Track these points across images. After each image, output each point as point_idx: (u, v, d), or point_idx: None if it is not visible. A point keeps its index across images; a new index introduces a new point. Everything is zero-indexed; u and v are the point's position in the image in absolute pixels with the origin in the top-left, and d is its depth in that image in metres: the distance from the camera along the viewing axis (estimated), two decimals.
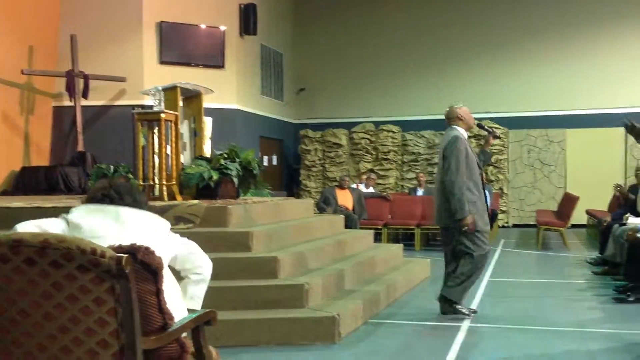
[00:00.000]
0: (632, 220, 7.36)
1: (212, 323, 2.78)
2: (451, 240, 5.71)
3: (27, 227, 2.68)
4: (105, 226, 2.65)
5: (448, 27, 16.29)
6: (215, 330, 2.85)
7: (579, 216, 12.48)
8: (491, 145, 6.13)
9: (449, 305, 5.68)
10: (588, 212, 12.86)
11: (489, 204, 10.96)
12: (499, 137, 6.19)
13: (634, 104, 14.42)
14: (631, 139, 14.19)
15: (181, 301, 2.86)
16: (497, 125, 15.33)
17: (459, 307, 5.68)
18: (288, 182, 16.97)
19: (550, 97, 15.51)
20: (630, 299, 6.30)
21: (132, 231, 2.66)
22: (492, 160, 15.22)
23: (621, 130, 14.62)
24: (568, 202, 11.94)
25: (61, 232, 2.62)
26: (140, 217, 2.77)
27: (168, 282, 2.72)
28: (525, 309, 6.14)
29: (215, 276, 5.19)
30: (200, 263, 3.10)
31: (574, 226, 12.80)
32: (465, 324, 5.52)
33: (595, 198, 12.92)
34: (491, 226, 11.46)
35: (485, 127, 6.18)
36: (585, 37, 15.51)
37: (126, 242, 2.48)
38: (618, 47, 15.30)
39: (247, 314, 5.07)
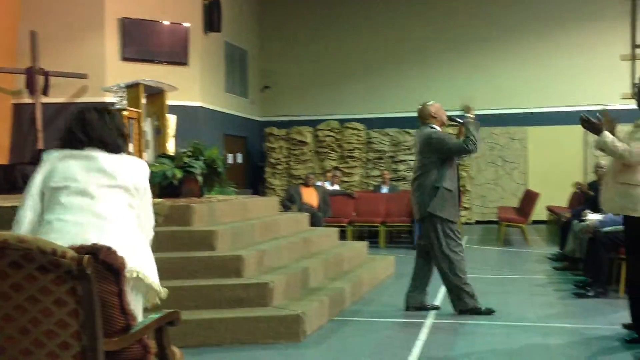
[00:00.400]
0: (591, 217, 7.50)
1: (175, 323, 2.76)
2: (425, 234, 5.84)
3: (26, 215, 2.84)
4: (81, 171, 2.80)
5: (411, 26, 16.43)
6: (179, 330, 2.82)
7: (539, 212, 12.70)
8: (462, 135, 6.16)
9: (473, 312, 5.73)
10: (548, 209, 13.11)
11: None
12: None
13: (593, 101, 14.68)
14: (591, 136, 14.51)
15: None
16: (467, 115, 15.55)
17: (479, 306, 5.75)
18: (253, 180, 16.91)
19: (512, 95, 15.74)
20: (590, 294, 6.42)
21: (110, 176, 2.81)
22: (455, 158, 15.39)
23: (581, 127, 14.93)
24: (529, 198, 12.14)
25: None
26: (117, 162, 2.87)
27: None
28: (488, 304, 6.18)
29: (178, 275, 5.26)
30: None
31: (534, 222, 13.01)
32: (429, 320, 5.59)
33: (555, 195, 13.18)
34: None
35: (456, 118, 6.16)
36: (547, 37, 15.77)
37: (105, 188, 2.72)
38: (578, 47, 15.60)
39: (211, 313, 5.03)
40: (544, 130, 15.39)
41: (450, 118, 6.16)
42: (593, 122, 4.91)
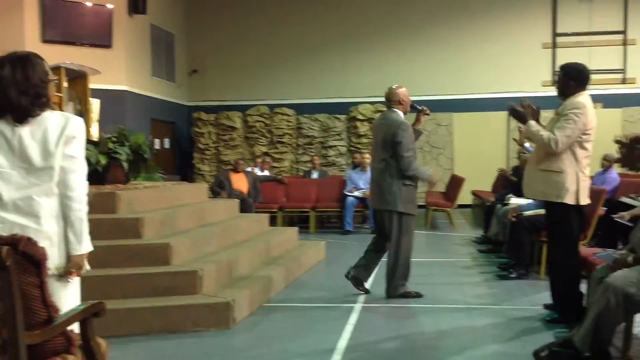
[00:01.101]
0: (514, 201, 7.73)
1: (100, 314, 2.69)
2: (381, 222, 5.88)
3: None
4: None
5: (340, 12, 16.46)
6: (106, 320, 2.75)
7: (465, 197, 13.01)
8: (420, 122, 6.20)
9: (403, 296, 5.85)
10: (473, 193, 13.44)
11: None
12: (428, 114, 6.24)
13: (516, 89, 15.16)
14: (514, 122, 14.99)
15: None
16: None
17: (409, 290, 5.88)
18: (181, 166, 16.64)
19: (438, 81, 16.02)
20: (512, 275, 6.63)
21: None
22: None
23: (504, 114, 15.38)
24: (455, 183, 12.42)
25: None
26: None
27: None
28: (416, 287, 6.31)
29: (105, 264, 5.12)
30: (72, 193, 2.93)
31: (460, 206, 13.33)
32: (359, 304, 5.64)
33: (480, 179, 13.53)
34: None
35: (415, 105, 6.16)
36: (471, 24, 16.09)
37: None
38: (502, 35, 15.99)
39: (138, 302, 4.94)
40: (469, 117, 15.75)
41: (410, 105, 6.12)
42: (519, 112, 5.03)
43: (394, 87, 5.95)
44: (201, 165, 16.24)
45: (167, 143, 16.01)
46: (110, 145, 6.68)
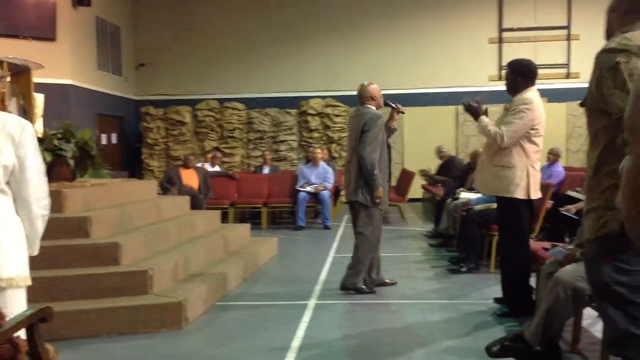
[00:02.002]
0: (464, 195, 7.83)
1: (48, 320, 2.60)
2: (355, 215, 5.92)
3: None
4: None
5: (289, 6, 16.37)
6: (53, 322, 2.67)
7: (415, 191, 13.12)
8: (394, 120, 6.20)
9: (355, 291, 5.87)
10: (424, 187, 13.56)
11: (332, 180, 11.25)
12: (403, 112, 6.24)
13: (463, 83, 15.37)
14: (463, 116, 15.22)
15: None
16: (338, 103, 15.77)
17: (362, 286, 5.88)
18: (129, 161, 16.33)
19: (387, 76, 16.06)
20: (463, 269, 6.72)
21: None
22: (335, 137, 15.61)
23: (453, 108, 15.60)
24: (405, 178, 12.51)
25: None
26: None
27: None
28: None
29: (52, 265, 4.98)
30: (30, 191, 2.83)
31: (411, 200, 13.43)
32: (312, 302, 5.63)
33: None
34: (335, 202, 11.85)
35: (389, 102, 6.19)
36: (420, 19, 16.23)
37: None
38: (449, 30, 16.17)
39: (87, 303, 4.82)
40: (418, 111, 15.86)
41: (384, 102, 6.13)
42: (473, 107, 5.09)
43: (365, 83, 6.00)
44: (150, 161, 15.98)
45: (114, 138, 15.68)
46: (56, 142, 6.48)
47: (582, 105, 2.58)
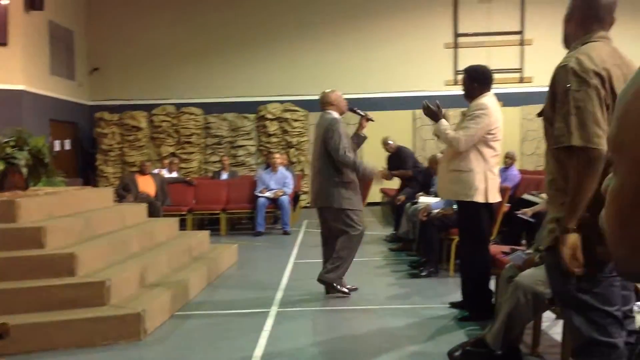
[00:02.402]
0: (424, 200, 7.88)
1: (4, 337, 2.52)
2: (325, 221, 5.96)
3: None
4: None
5: (248, 10, 16.31)
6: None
7: (374, 195, 13.17)
8: (364, 128, 6.20)
9: (330, 287, 5.94)
10: (382, 191, 13.64)
11: (291, 186, 11.22)
12: (371, 120, 6.26)
13: (420, 88, 15.53)
14: (420, 120, 15.36)
15: None
16: (297, 108, 15.75)
17: (339, 287, 5.94)
18: (83, 168, 16.01)
19: (345, 81, 16.11)
20: (423, 273, 6.76)
21: None
22: (294, 142, 15.59)
23: (409, 112, 15.72)
24: (364, 182, 12.52)
25: None
26: None
27: None
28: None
29: (5, 277, 4.85)
30: None
31: (370, 204, 13.48)
32: (274, 309, 5.59)
33: None
34: (294, 208, 11.81)
35: (357, 110, 6.23)
36: (378, 24, 16.32)
37: None
38: (406, 35, 16.30)
39: (42, 316, 4.69)
40: (375, 115, 15.89)
41: (351, 109, 6.19)
42: (433, 110, 5.13)
43: (327, 90, 6.09)
44: (105, 167, 15.70)
45: (67, 144, 15.36)
46: (8, 150, 6.31)
47: (539, 115, 2.61)
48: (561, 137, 2.33)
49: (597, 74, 2.37)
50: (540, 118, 2.61)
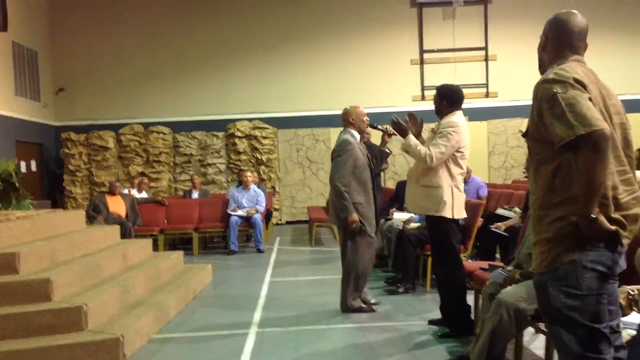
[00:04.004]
0: (397, 216, 7.93)
1: None
2: (340, 238, 6.03)
3: None
4: None
5: (217, 29, 16.32)
6: None
7: None
8: (387, 143, 6.21)
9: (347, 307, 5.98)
10: None
11: (264, 203, 11.18)
12: (394, 134, 6.23)
13: (387, 104, 15.68)
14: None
15: None
16: (266, 125, 15.75)
17: (357, 307, 5.97)
18: (50, 189, 15.77)
19: (315, 97, 16.27)
20: (400, 290, 6.79)
21: None
22: (264, 159, 15.58)
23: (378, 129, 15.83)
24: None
25: None
26: None
27: None
28: (309, 307, 6.35)
29: None
30: None
31: None
32: (253, 330, 5.56)
33: None
34: (267, 225, 11.79)
35: (378, 126, 6.21)
36: (345, 41, 16.46)
37: None
38: (373, 51, 16.47)
39: (18, 343, 4.60)
40: None
41: (372, 126, 6.17)
42: (402, 125, 5.19)
43: (348, 107, 6.12)
44: (73, 188, 15.48)
45: (33, 166, 15.13)
46: None
47: (524, 135, 2.67)
48: (563, 134, 2.38)
49: (577, 81, 2.45)
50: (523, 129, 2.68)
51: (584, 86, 2.46)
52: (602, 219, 2.38)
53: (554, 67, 2.61)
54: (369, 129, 6.35)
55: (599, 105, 2.50)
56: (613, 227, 2.39)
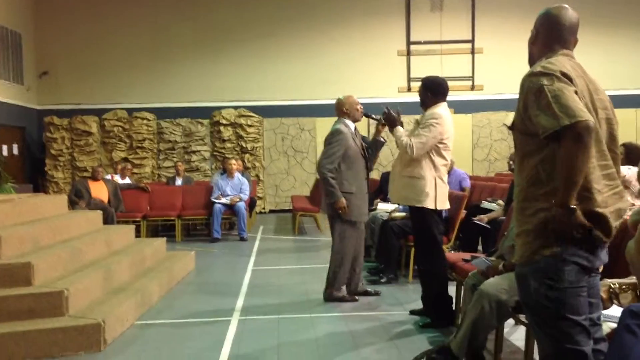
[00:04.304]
0: (382, 206, 7.95)
1: None
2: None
3: None
4: None
5: (202, 16, 16.21)
6: None
7: None
8: (381, 132, 6.15)
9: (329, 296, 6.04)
10: None
11: (248, 192, 11.17)
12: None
13: (373, 94, 15.66)
14: (373, 126, 15.45)
15: None
16: (251, 113, 15.71)
17: (339, 296, 6.01)
18: (32, 173, 15.62)
19: (300, 87, 16.23)
20: (383, 280, 6.82)
21: None
22: (249, 148, 15.54)
23: (364, 119, 15.81)
24: (319, 187, 12.59)
25: None
26: None
27: None
28: (291, 295, 6.36)
29: None
30: None
31: None
32: (236, 317, 5.57)
33: None
34: (250, 214, 11.78)
35: (372, 115, 6.14)
36: (331, 32, 16.41)
37: None
38: (360, 42, 16.44)
39: None
40: (330, 121, 15.97)
41: (366, 115, 6.15)
42: (392, 116, 5.21)
43: (341, 97, 6.12)
44: (55, 172, 15.34)
45: (15, 149, 14.98)
46: None
47: (510, 128, 2.69)
48: (548, 125, 2.39)
49: (564, 74, 2.46)
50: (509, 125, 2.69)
51: (570, 79, 2.47)
52: (579, 213, 2.40)
53: (542, 60, 2.62)
54: (364, 118, 6.33)
55: (585, 99, 2.52)
56: (588, 224, 2.40)
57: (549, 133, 2.39)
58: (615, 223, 2.52)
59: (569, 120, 2.34)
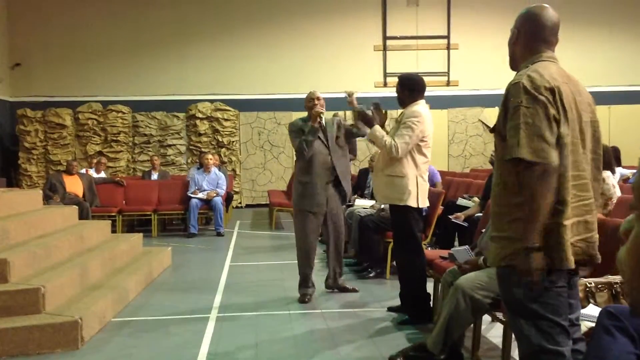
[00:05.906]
0: (359, 202, 7.98)
1: None
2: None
3: None
4: None
5: (178, 7, 16.06)
6: None
7: None
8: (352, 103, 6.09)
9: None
10: None
11: (225, 186, 11.14)
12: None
13: (354, 89, 15.64)
14: (351, 120, 15.45)
15: None
16: (228, 107, 15.64)
17: (301, 293, 6.06)
18: (5, 167, 15.39)
19: (278, 81, 16.18)
20: (371, 274, 6.91)
21: None
22: (225, 142, 15.47)
23: (340, 113, 15.82)
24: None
25: None
26: None
27: None
28: (269, 292, 6.37)
29: None
30: None
31: None
32: (214, 314, 5.56)
33: None
34: (227, 208, 11.74)
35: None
36: (309, 25, 16.39)
37: None
38: (336, 36, 16.41)
39: None
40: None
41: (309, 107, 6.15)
42: (368, 116, 5.21)
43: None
44: (28, 166, 15.14)
45: None
46: None
47: (492, 131, 2.71)
48: (511, 149, 2.42)
49: (549, 89, 2.46)
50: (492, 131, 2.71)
51: (554, 94, 2.47)
52: (537, 255, 2.43)
53: (529, 66, 2.59)
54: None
55: (571, 112, 2.52)
56: (539, 273, 2.44)
57: (508, 158, 2.44)
58: (585, 236, 2.57)
59: (529, 156, 2.38)
